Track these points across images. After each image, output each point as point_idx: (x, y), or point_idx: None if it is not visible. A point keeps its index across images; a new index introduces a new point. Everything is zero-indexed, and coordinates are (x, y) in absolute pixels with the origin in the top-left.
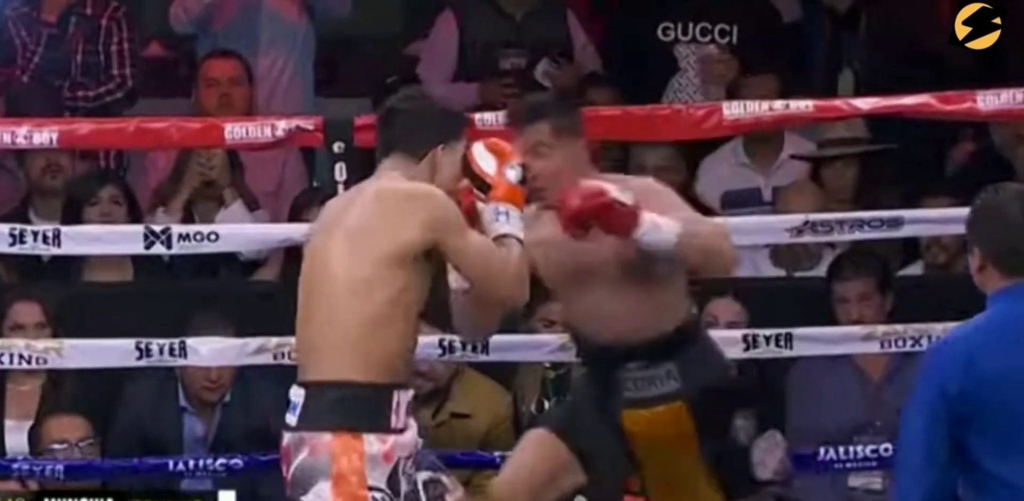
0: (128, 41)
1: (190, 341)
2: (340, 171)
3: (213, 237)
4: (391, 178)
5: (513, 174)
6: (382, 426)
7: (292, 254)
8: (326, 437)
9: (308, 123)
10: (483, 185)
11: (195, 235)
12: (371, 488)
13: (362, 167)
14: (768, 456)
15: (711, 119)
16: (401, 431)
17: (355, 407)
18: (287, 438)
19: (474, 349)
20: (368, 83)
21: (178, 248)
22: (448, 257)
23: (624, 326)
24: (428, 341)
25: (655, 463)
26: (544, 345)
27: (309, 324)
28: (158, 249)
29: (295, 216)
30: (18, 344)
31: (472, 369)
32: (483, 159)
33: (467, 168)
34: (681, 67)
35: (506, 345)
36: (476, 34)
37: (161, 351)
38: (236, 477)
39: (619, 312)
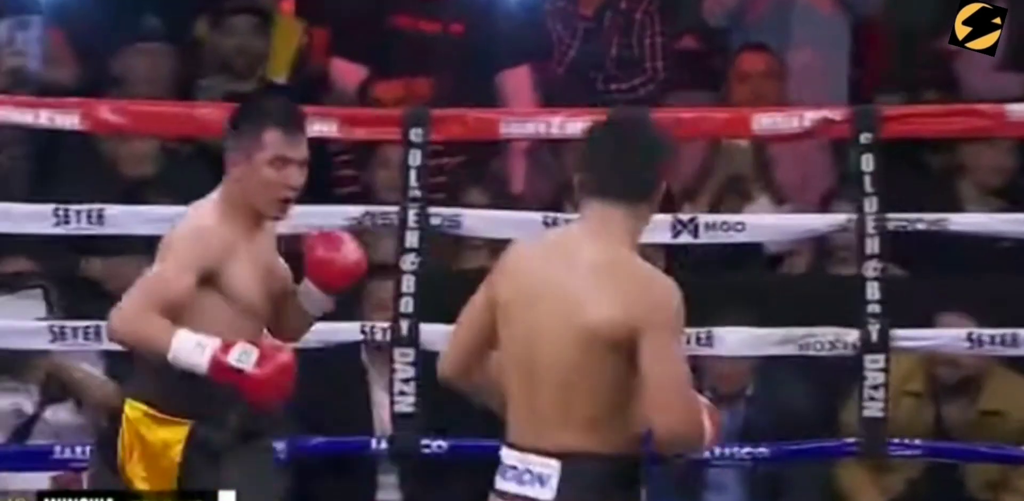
0: (661, 34)
1: (717, 330)
2: (867, 162)
3: (740, 227)
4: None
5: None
6: None
7: (821, 247)
8: None
9: (836, 114)
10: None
11: (721, 224)
12: None
13: (890, 159)
14: None
15: None
16: None
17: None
18: None
19: (1002, 343)
20: (902, 76)
21: (705, 237)
22: None
23: None
24: (956, 334)
25: None
26: None
27: None
28: (685, 238)
29: (823, 208)
30: None
31: (1002, 366)
32: None
33: None
34: None
35: None
36: None
37: (688, 340)
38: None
39: None
